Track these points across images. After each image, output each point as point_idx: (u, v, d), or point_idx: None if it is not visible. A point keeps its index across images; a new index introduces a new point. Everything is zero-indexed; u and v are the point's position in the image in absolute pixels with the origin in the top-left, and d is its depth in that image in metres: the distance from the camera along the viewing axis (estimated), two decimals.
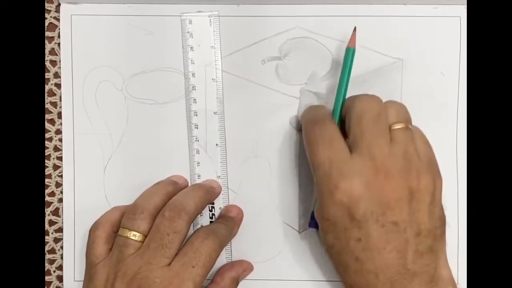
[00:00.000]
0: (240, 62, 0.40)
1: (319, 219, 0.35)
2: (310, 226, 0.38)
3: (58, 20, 0.40)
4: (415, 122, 0.40)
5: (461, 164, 0.40)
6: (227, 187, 0.41)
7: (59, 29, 0.40)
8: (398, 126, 0.34)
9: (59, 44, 0.40)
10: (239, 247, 0.41)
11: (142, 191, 0.39)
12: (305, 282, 0.41)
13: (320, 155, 0.34)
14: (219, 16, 0.40)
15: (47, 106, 0.41)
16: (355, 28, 0.37)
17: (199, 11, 0.40)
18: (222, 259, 0.40)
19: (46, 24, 0.41)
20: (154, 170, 0.40)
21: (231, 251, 0.41)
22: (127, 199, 0.40)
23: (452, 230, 0.40)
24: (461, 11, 0.40)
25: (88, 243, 0.37)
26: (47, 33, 0.41)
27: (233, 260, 0.41)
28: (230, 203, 0.41)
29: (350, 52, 0.37)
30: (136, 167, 0.41)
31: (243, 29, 0.40)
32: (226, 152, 0.40)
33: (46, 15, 0.41)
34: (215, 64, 0.40)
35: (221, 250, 0.36)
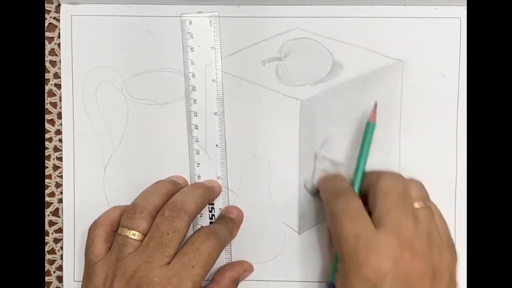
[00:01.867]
0: (240, 63, 0.40)
1: None
2: None
3: (58, 20, 0.40)
4: (414, 123, 0.41)
5: (461, 165, 0.40)
6: (227, 188, 0.41)
7: (59, 29, 0.40)
8: (419, 205, 0.35)
9: (59, 44, 0.40)
10: (239, 248, 0.41)
11: (141, 191, 0.39)
12: (305, 283, 0.41)
13: (346, 229, 0.34)
14: (219, 16, 0.40)
15: (47, 106, 0.41)
16: (375, 104, 0.38)
17: (199, 12, 0.40)
18: (222, 259, 0.41)
19: (46, 24, 0.41)
20: (154, 171, 0.40)
21: (231, 251, 0.41)
22: (127, 199, 0.40)
23: (451, 231, 0.40)
24: (461, 12, 0.40)
25: (87, 242, 0.37)
26: (47, 34, 0.41)
27: (232, 260, 0.41)
28: (230, 204, 0.41)
29: (370, 127, 0.38)
30: (136, 167, 0.41)
31: (244, 30, 0.40)
32: (226, 152, 0.40)
33: (46, 16, 0.41)
34: (215, 65, 0.40)
35: (221, 250, 0.36)
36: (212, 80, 0.40)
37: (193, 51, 0.40)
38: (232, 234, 0.40)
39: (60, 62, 0.40)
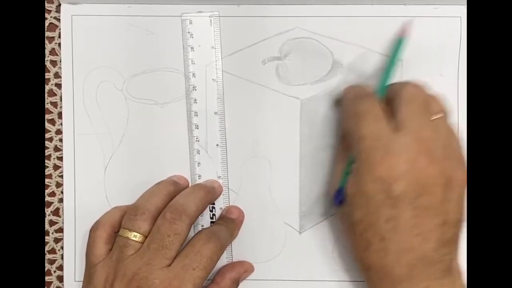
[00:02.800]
0: (240, 62, 0.40)
1: (352, 193, 0.34)
2: (335, 202, 0.37)
3: (58, 20, 0.40)
4: None
5: None
6: (228, 187, 0.41)
7: (59, 29, 0.40)
8: (440, 115, 0.35)
9: (59, 44, 0.40)
10: (239, 247, 0.41)
11: (142, 191, 0.39)
12: (305, 282, 0.41)
13: (364, 128, 0.34)
14: (219, 16, 0.40)
15: (47, 106, 0.41)
16: (409, 22, 0.38)
17: (200, 12, 0.40)
18: (223, 259, 0.40)
19: (47, 24, 0.41)
20: (155, 170, 0.40)
21: (231, 251, 0.41)
22: (127, 199, 0.40)
23: None
24: (461, 11, 0.40)
25: (88, 243, 0.37)
26: (48, 33, 0.41)
27: (233, 260, 0.41)
28: (230, 204, 0.41)
29: (400, 43, 0.38)
30: (136, 167, 0.41)
31: (244, 30, 0.40)
32: (226, 152, 0.40)
33: (47, 15, 0.41)
34: (216, 65, 0.40)
35: (222, 252, 0.36)
36: (213, 79, 0.40)
37: (193, 50, 0.40)
38: (233, 235, 0.40)
39: (60, 61, 0.40)
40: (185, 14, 0.40)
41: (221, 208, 0.41)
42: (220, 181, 0.41)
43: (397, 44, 0.38)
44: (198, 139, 0.40)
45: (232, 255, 0.41)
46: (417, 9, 0.40)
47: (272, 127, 0.40)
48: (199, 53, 0.40)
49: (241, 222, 0.40)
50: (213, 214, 0.41)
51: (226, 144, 0.40)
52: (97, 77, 0.40)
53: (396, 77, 0.40)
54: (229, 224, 0.39)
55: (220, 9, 0.40)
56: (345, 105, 0.37)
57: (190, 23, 0.40)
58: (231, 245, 0.41)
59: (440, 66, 0.40)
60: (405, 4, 0.40)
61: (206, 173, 0.41)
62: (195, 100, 0.40)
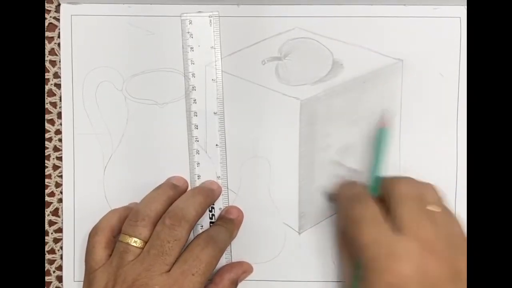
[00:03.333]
0: (240, 62, 0.40)
1: None
2: None
3: (58, 20, 0.40)
4: (414, 123, 0.40)
5: (461, 165, 0.40)
6: (227, 188, 0.41)
7: (59, 29, 0.40)
8: (436, 208, 0.35)
9: (59, 44, 0.40)
10: (239, 248, 0.41)
11: (142, 191, 0.39)
12: (305, 283, 0.41)
13: (366, 236, 0.34)
14: (219, 16, 0.40)
15: (47, 106, 0.41)
16: (384, 111, 0.39)
17: (199, 12, 0.40)
18: (222, 259, 0.40)
19: (46, 24, 0.41)
20: (154, 170, 0.40)
21: (231, 252, 0.41)
22: (127, 199, 0.40)
23: None
24: (461, 11, 0.40)
25: (87, 248, 0.37)
26: (47, 33, 0.41)
27: (232, 260, 0.41)
28: (230, 204, 0.41)
29: (382, 133, 0.38)
30: (135, 167, 0.41)
31: (243, 30, 0.40)
32: (226, 152, 0.40)
33: (46, 15, 0.41)
34: (215, 65, 0.40)
35: (221, 255, 0.37)
36: (212, 80, 0.40)
37: (193, 50, 0.40)
38: (232, 236, 0.40)
39: (60, 61, 0.40)
40: (185, 14, 0.40)
41: (221, 208, 0.41)
42: (220, 181, 0.41)
43: (380, 135, 0.38)
44: (197, 139, 0.40)
45: (231, 256, 0.41)
46: (417, 10, 0.40)
47: (272, 127, 0.40)
48: (199, 53, 0.40)
49: (240, 222, 0.40)
50: (213, 215, 0.40)
51: (225, 144, 0.40)
52: (97, 77, 0.40)
53: (397, 79, 0.40)
54: (228, 224, 0.39)
55: (220, 9, 0.40)
56: (342, 207, 0.37)
57: (190, 23, 0.40)
58: (231, 246, 0.41)
59: (440, 66, 0.40)
60: (405, 5, 0.40)
61: (206, 173, 0.41)
62: (195, 100, 0.40)
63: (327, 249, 0.41)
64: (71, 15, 0.40)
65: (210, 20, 0.40)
